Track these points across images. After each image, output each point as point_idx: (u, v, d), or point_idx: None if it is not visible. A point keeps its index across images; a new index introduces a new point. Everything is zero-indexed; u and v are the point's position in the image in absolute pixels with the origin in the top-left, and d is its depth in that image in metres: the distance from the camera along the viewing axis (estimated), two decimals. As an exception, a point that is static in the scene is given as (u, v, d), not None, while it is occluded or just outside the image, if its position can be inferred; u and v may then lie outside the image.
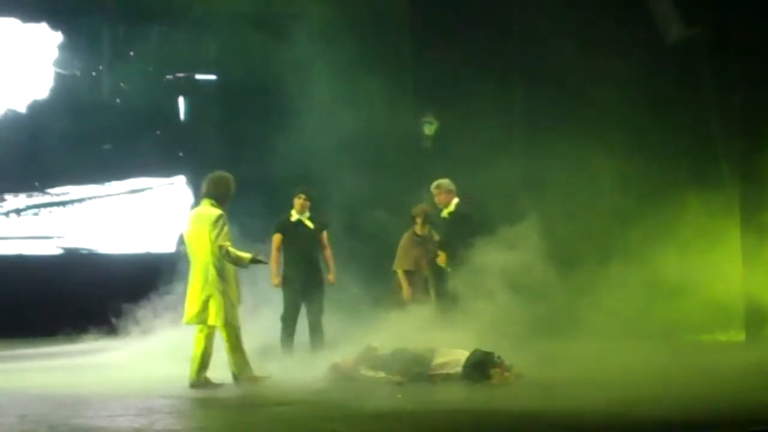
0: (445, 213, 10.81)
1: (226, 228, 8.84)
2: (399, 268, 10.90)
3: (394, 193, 12.96)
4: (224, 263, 8.84)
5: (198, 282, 8.90)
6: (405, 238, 10.98)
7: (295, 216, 10.62)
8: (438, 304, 10.53)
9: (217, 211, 8.91)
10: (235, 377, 8.96)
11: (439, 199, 10.82)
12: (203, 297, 8.86)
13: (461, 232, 10.36)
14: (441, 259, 10.68)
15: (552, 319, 10.24)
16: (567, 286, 10.46)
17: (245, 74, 14.62)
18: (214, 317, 8.85)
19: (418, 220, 10.88)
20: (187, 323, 9.05)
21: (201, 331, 8.98)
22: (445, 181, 10.83)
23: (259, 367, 9.10)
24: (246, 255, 8.87)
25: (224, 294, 8.84)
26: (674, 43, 12.66)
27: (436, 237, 10.94)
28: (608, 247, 12.20)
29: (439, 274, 10.82)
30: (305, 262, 10.50)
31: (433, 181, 11.01)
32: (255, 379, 8.94)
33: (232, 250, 8.78)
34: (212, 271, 8.84)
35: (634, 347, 10.66)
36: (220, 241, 8.78)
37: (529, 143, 13.72)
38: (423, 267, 10.90)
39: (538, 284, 9.78)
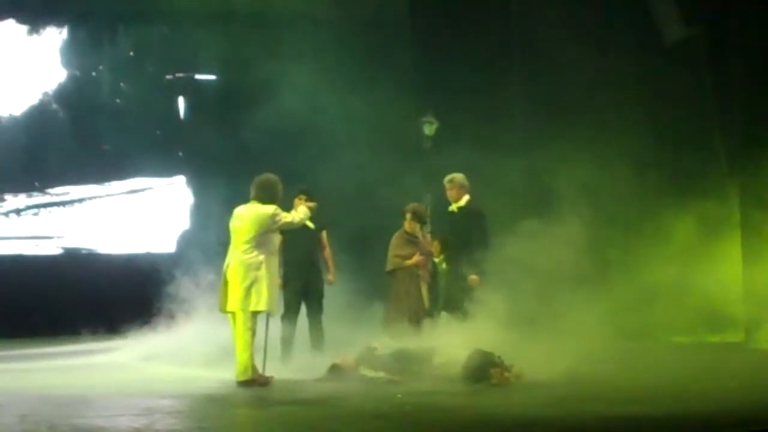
0: (453, 207, 10.63)
1: (283, 213, 9.10)
2: (390, 267, 10.77)
3: (394, 193, 12.95)
4: (270, 255, 8.97)
5: (239, 271, 8.92)
6: (395, 237, 10.86)
7: (295, 216, 10.60)
8: (432, 303, 10.51)
9: (271, 207, 9.05)
10: (239, 377, 8.93)
11: (450, 194, 10.65)
12: (246, 284, 8.89)
13: (469, 229, 10.31)
14: (435, 248, 10.64)
15: (551, 320, 10.22)
16: (566, 287, 10.45)
17: (245, 74, 14.63)
18: (257, 303, 8.88)
19: (407, 216, 10.73)
20: (227, 311, 9.05)
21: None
22: (459, 176, 10.65)
23: (259, 367, 9.09)
24: (302, 210, 9.37)
25: (266, 283, 8.91)
26: (674, 43, 12.66)
27: (429, 236, 10.88)
28: (608, 248, 12.19)
29: (433, 273, 10.77)
30: (305, 262, 10.49)
31: (434, 180, 10.95)
32: (257, 381, 8.94)
33: (293, 214, 9.23)
34: (254, 262, 8.89)
35: (633, 348, 10.66)
36: (283, 218, 9.05)
37: (528, 144, 13.72)
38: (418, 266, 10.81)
39: (537, 285, 9.76)
